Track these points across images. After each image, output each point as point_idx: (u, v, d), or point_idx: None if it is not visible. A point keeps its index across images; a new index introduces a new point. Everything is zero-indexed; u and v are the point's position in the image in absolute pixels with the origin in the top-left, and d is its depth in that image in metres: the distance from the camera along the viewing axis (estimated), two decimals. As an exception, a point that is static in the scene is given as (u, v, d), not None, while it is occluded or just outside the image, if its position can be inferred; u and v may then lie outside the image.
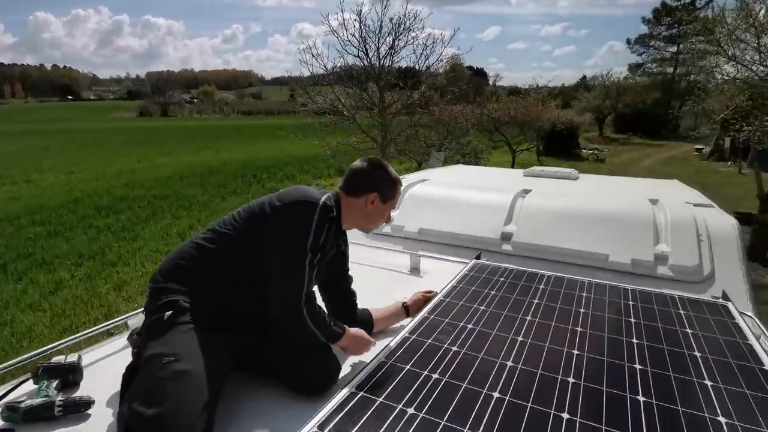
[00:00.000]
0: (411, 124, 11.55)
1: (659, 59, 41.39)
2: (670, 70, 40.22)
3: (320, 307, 1.31)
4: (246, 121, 45.71)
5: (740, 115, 10.33)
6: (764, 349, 1.30)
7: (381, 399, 1.04)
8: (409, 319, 1.58)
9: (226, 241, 1.33)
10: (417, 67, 10.61)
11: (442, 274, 2.03)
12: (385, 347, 1.28)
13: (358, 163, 1.54)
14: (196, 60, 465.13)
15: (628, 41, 42.80)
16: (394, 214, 2.66)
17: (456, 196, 2.68)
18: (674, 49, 38.90)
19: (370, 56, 10.13)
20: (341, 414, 0.99)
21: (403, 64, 11.07)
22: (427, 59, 10.35)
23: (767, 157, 12.45)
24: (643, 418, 0.99)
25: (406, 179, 3.10)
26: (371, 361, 1.21)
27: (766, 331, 1.54)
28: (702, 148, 23.61)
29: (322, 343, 1.28)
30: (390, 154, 12.33)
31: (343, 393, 1.06)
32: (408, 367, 1.17)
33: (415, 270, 2.23)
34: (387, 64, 10.31)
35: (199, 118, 55.03)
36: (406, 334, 1.33)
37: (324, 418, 0.97)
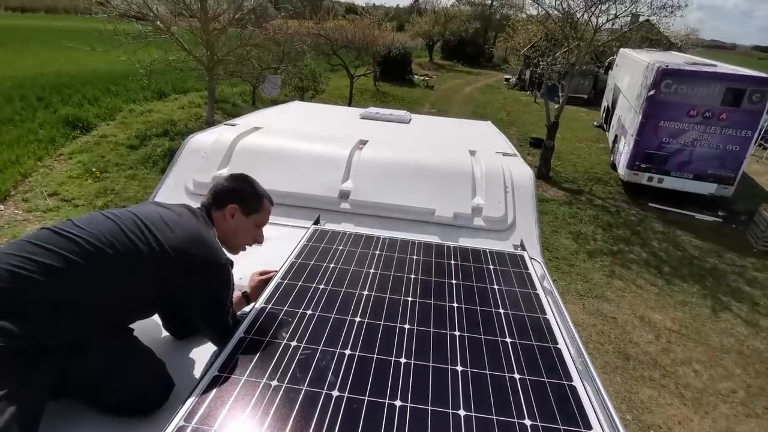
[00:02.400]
0: (242, 43, 10.38)
1: (480, -10, 44.45)
2: (489, 2, 43.81)
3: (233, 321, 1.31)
4: (18, 20, 35.12)
5: (539, 52, 11.97)
6: (546, 296, 1.61)
7: (217, 424, 0.98)
8: (250, 307, 1.50)
9: (77, 272, 1.04)
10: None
11: (283, 240, 1.96)
12: (221, 354, 1.19)
13: (222, 178, 1.49)
14: None
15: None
16: (223, 171, 2.42)
17: (292, 149, 2.55)
18: (492, -19, 42.11)
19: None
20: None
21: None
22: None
23: (555, 90, 14.95)
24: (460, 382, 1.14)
25: (236, 128, 2.81)
26: (204, 375, 1.11)
27: (547, 273, 1.93)
28: (509, 78, 27.04)
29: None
30: (218, 77, 11.06)
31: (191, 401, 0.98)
32: (245, 378, 1.12)
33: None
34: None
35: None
36: (242, 334, 1.26)
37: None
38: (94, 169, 8.08)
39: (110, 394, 1.08)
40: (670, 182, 9.45)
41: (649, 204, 9.66)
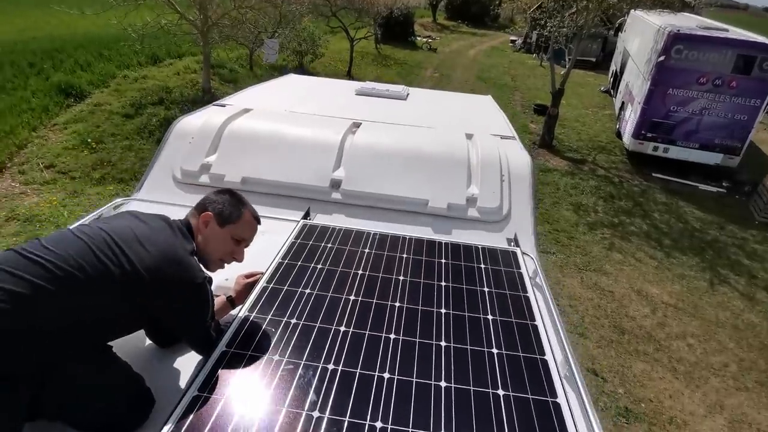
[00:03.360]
0: (237, 5, 9.98)
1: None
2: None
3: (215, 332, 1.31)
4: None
5: (546, 14, 11.49)
6: (537, 297, 1.58)
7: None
8: (236, 311, 1.47)
9: (47, 298, 1.01)
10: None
11: (272, 233, 1.92)
12: (201, 371, 1.18)
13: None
14: None
15: None
16: (211, 158, 2.35)
17: (283, 134, 2.46)
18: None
19: None
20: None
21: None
22: None
23: (562, 54, 14.47)
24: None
25: (226, 110, 2.71)
26: (184, 396, 1.10)
27: (540, 269, 1.89)
28: (515, 40, 26.13)
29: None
30: (213, 41, 10.71)
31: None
32: (224, 397, 1.11)
33: None
34: None
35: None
36: (224, 348, 1.24)
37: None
38: (89, 140, 7.96)
39: (88, 416, 1.08)
40: (675, 152, 9.28)
41: (653, 174, 9.53)
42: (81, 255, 1.06)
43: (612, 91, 15.23)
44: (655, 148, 9.37)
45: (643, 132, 9.35)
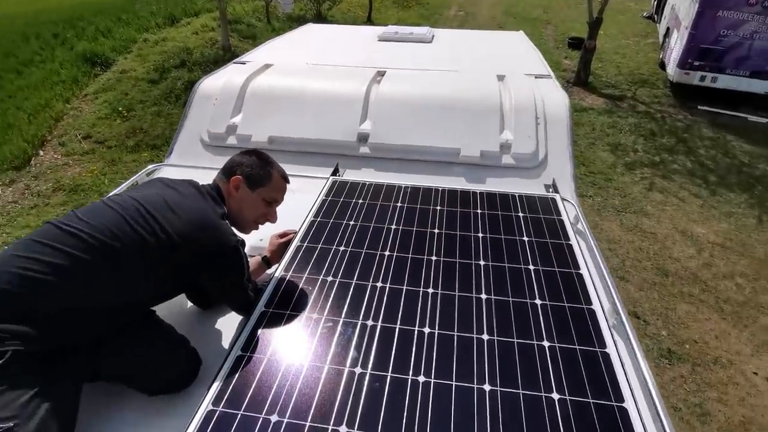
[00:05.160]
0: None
1: None
2: None
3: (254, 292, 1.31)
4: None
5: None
6: (579, 246, 1.51)
7: (244, 406, 1.01)
8: (272, 270, 1.48)
9: (86, 270, 1.03)
10: None
11: (301, 192, 1.90)
12: (243, 331, 1.20)
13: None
14: None
15: None
16: (236, 119, 2.31)
17: (307, 89, 2.38)
18: None
19: None
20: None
21: None
22: None
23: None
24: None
25: (246, 67, 2.64)
26: (228, 355, 1.13)
27: (581, 214, 1.79)
28: (546, -33, 24.10)
29: None
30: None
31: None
32: (267, 356, 1.13)
33: None
34: None
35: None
36: (263, 308, 1.26)
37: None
38: (120, 108, 8.09)
39: (141, 377, 1.12)
40: (724, 81, 8.54)
41: (699, 107, 8.87)
42: (115, 225, 1.07)
43: (656, 16, 13.97)
44: (703, 78, 8.64)
45: (690, 60, 8.61)
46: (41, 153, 7.19)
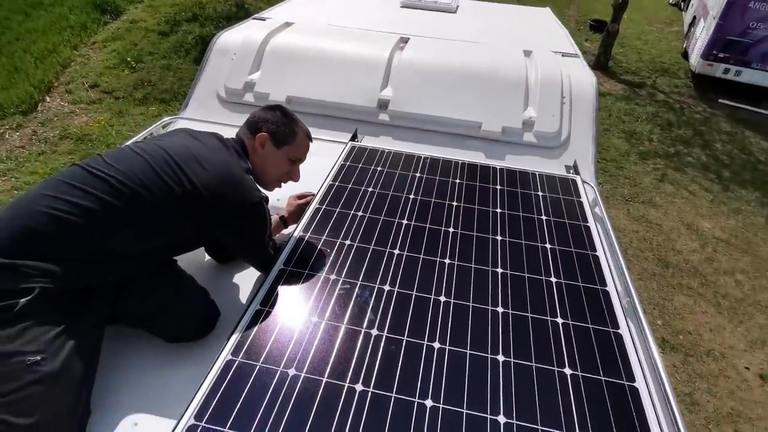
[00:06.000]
0: None
1: None
2: None
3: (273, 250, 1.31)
4: None
5: None
6: (597, 229, 1.51)
7: (263, 358, 1.03)
8: (289, 230, 1.48)
9: (114, 214, 1.03)
10: None
11: (320, 156, 1.89)
12: (262, 287, 1.21)
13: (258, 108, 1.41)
14: None
15: None
16: (254, 76, 2.27)
17: (328, 50, 2.33)
18: None
19: None
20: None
21: None
22: None
23: (628, -41, 12.76)
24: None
25: (266, 24, 2.57)
26: (248, 309, 1.14)
27: (599, 198, 1.78)
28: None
29: None
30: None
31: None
32: (286, 311, 1.14)
33: None
34: None
35: None
36: (281, 266, 1.26)
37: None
38: (129, 59, 7.93)
39: (160, 323, 1.14)
40: (749, 75, 8.35)
41: (719, 100, 8.70)
42: (143, 172, 1.07)
43: (682, 3, 13.53)
44: (726, 71, 8.44)
45: (714, 52, 8.39)
46: (48, 99, 7.10)
